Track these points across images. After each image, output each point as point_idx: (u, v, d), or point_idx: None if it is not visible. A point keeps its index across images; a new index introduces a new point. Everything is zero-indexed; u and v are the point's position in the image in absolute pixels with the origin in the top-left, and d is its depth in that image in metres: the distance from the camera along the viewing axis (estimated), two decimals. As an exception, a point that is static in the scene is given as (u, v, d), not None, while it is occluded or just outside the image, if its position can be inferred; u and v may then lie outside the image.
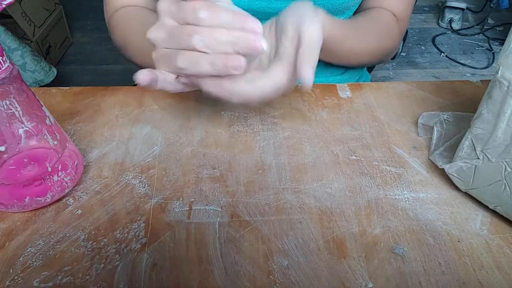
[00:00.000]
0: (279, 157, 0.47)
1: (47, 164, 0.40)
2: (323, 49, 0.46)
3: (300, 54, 0.36)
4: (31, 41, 1.73)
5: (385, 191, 0.44)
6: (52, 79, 1.62)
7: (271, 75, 0.37)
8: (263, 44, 0.35)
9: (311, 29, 0.37)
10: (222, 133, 0.50)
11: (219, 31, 0.35)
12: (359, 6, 0.64)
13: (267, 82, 0.37)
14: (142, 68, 0.60)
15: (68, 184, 0.42)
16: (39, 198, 0.40)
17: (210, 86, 0.38)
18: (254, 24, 0.34)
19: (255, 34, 0.34)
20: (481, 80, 0.59)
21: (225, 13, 0.35)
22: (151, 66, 0.56)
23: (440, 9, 2.41)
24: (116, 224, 0.40)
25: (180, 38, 0.36)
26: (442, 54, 2.11)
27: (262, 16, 0.57)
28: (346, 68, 0.67)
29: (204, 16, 0.35)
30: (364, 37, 0.56)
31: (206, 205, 0.42)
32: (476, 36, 2.25)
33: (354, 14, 0.66)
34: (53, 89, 0.57)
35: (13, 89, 0.37)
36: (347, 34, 0.51)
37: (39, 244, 0.38)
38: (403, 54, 2.12)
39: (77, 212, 0.41)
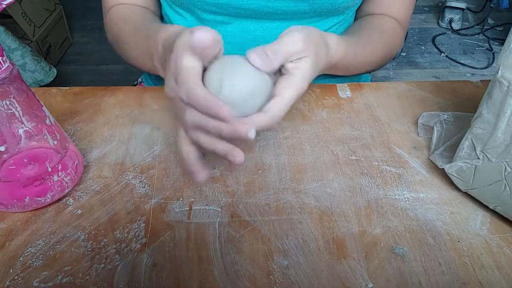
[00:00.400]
0: (279, 157, 0.47)
1: (47, 164, 0.40)
2: (337, 68, 0.49)
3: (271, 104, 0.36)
4: (31, 41, 1.73)
5: (385, 191, 0.44)
6: (52, 79, 1.62)
7: (270, 112, 0.36)
8: (251, 134, 0.34)
9: (290, 88, 0.37)
10: (222, 133, 0.50)
11: (204, 117, 0.35)
12: (361, 9, 0.64)
13: (264, 118, 0.36)
14: (133, 66, 0.60)
15: (68, 184, 0.42)
16: (39, 198, 0.40)
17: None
18: (227, 115, 0.33)
19: (234, 125, 0.34)
20: (481, 80, 0.59)
21: (201, 99, 0.34)
22: (142, 66, 0.56)
23: (440, 9, 2.40)
24: (116, 224, 0.40)
25: (178, 110, 0.37)
26: (442, 54, 2.11)
27: (261, 15, 0.57)
28: None
29: (183, 97, 0.35)
30: (373, 50, 0.57)
31: (206, 205, 0.42)
32: (476, 36, 2.25)
33: (355, 17, 0.65)
34: (53, 89, 0.57)
35: (13, 89, 0.37)
36: (357, 51, 0.53)
37: (39, 244, 0.38)
38: (403, 54, 2.12)
39: (77, 212, 0.41)
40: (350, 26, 0.62)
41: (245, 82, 0.35)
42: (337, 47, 0.47)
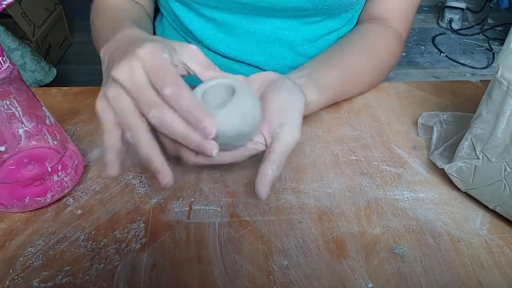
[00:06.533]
0: (279, 157, 0.47)
1: (47, 164, 0.40)
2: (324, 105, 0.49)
3: (265, 165, 0.37)
4: (31, 41, 1.73)
5: (385, 191, 0.44)
6: (52, 79, 1.62)
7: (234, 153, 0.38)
8: (213, 152, 0.34)
9: (287, 140, 0.38)
10: (222, 133, 0.50)
11: (176, 119, 0.33)
12: (364, 13, 0.62)
13: (227, 157, 0.38)
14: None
15: (68, 184, 0.42)
16: (39, 198, 0.40)
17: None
18: (208, 128, 0.33)
19: (207, 139, 0.33)
20: (481, 80, 0.60)
21: (188, 100, 0.33)
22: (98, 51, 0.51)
23: (440, 9, 2.41)
24: (116, 224, 0.40)
25: (139, 107, 0.34)
26: (442, 54, 2.11)
27: (261, 11, 0.57)
28: None
29: (168, 92, 0.33)
30: (363, 76, 0.55)
31: (206, 205, 0.42)
32: (476, 36, 2.25)
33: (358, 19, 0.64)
34: (53, 89, 0.57)
35: (13, 89, 0.37)
36: (340, 89, 0.51)
37: (39, 244, 0.38)
38: (403, 54, 2.12)
39: (77, 212, 0.41)
40: (339, 43, 0.57)
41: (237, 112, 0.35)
42: (311, 105, 0.46)
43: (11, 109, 0.38)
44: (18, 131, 0.39)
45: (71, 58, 2.06)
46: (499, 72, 0.36)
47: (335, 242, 0.39)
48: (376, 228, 0.40)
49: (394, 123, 0.52)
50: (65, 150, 0.42)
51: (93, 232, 0.39)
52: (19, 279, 0.36)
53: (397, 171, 0.46)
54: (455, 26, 2.28)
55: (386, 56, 0.57)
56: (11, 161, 0.41)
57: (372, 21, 0.60)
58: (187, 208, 0.42)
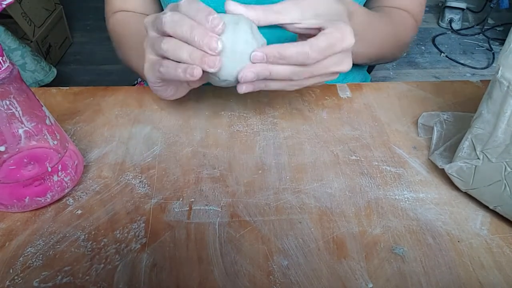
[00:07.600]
0: (279, 157, 0.47)
1: (47, 164, 0.40)
2: (356, 28, 0.49)
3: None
4: (31, 41, 1.73)
5: (385, 191, 0.44)
6: (52, 79, 1.62)
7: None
8: (219, 45, 0.37)
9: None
10: (222, 133, 0.50)
11: (181, 45, 0.38)
12: (369, 6, 0.64)
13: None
14: (131, 68, 0.62)
15: (68, 184, 0.42)
16: (39, 198, 0.40)
17: None
18: (214, 21, 0.37)
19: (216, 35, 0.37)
20: (481, 80, 0.59)
21: (190, 18, 0.38)
22: (137, 69, 0.57)
23: (440, 9, 2.40)
24: (116, 224, 0.40)
25: (155, 45, 0.40)
26: (442, 54, 2.11)
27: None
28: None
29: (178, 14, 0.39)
30: (385, 26, 0.57)
31: (206, 205, 0.42)
32: (476, 36, 2.25)
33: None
34: (53, 89, 0.57)
35: (13, 89, 0.37)
36: (371, 21, 0.53)
37: (39, 244, 0.38)
38: (403, 54, 2.12)
39: (77, 212, 0.41)
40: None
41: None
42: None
43: (11, 109, 0.37)
44: (18, 131, 0.39)
45: (71, 58, 2.06)
46: (499, 72, 0.36)
47: (335, 242, 0.39)
48: (376, 228, 0.40)
49: (394, 123, 0.52)
50: (65, 150, 0.42)
51: (93, 232, 0.39)
52: (19, 279, 0.36)
53: (397, 171, 0.46)
54: (455, 26, 2.28)
55: (403, 21, 0.60)
56: (11, 161, 0.41)
57: None
58: (187, 208, 0.42)
